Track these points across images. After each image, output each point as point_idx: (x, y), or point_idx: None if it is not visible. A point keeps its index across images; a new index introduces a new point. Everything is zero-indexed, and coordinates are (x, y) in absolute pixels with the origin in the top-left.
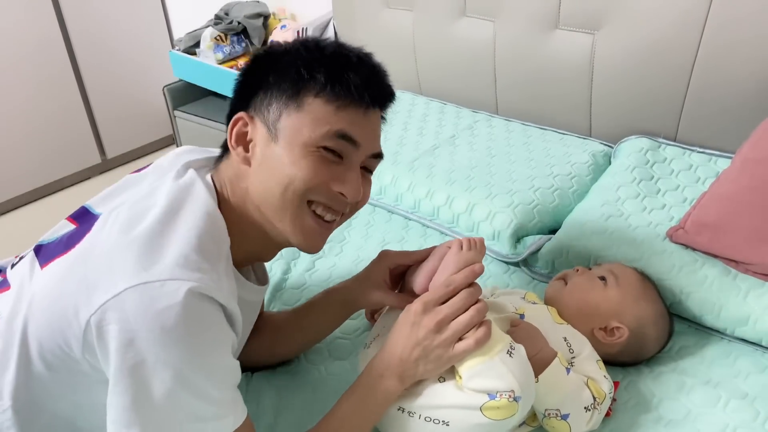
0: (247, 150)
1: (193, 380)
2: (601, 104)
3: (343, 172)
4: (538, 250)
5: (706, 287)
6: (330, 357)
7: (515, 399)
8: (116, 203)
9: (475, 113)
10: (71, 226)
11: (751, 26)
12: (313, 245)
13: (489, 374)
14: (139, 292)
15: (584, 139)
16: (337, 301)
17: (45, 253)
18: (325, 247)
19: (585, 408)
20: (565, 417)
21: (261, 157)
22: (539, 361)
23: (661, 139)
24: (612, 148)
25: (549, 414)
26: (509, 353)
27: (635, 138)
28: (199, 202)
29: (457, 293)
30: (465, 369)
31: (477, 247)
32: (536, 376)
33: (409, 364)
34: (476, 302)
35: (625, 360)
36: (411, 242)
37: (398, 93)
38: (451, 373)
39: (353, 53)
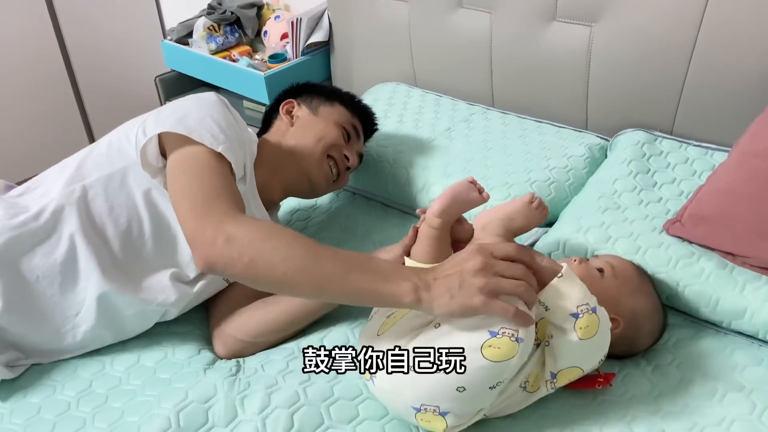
0: (292, 118)
1: (216, 117)
2: (598, 97)
3: (349, 147)
4: (534, 243)
5: (703, 280)
6: None
7: (517, 339)
8: None
9: (471, 106)
10: None
11: (749, 19)
12: (320, 186)
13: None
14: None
15: (580, 132)
16: None
17: None
18: (326, 238)
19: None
20: (594, 310)
21: (303, 121)
22: (551, 270)
23: (657, 133)
24: (608, 141)
25: (581, 311)
26: None
27: (631, 131)
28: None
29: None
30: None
31: (542, 209)
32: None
33: (438, 280)
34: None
35: (616, 353)
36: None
37: (393, 85)
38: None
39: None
